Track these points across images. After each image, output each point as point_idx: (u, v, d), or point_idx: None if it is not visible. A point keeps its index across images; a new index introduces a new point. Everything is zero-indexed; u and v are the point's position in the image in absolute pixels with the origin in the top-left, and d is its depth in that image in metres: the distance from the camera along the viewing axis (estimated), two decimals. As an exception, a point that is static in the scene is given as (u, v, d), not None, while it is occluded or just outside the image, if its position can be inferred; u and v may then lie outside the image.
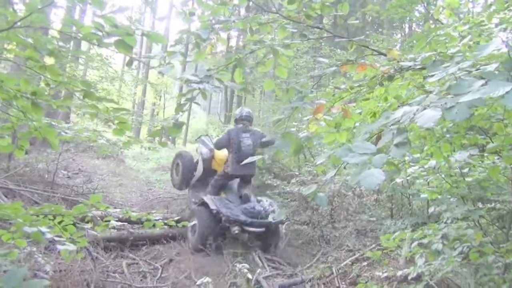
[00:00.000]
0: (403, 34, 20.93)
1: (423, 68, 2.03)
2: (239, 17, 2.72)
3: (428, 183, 3.78)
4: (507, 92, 1.07)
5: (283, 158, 8.64)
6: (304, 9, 2.68)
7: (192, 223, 5.62)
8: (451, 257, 3.12)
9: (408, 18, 11.67)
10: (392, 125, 1.43)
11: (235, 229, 5.41)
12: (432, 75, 1.67)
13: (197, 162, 6.81)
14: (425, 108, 1.33)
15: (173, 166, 7.25)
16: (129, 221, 4.85)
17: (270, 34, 2.81)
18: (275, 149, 2.12)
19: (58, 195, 6.18)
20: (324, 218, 6.60)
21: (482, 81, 1.26)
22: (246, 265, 4.61)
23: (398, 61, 2.25)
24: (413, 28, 19.35)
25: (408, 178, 3.83)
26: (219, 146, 6.21)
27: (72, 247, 2.06)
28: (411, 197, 6.13)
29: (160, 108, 27.42)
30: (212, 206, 5.52)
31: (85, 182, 8.22)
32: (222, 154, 6.40)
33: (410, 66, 2.13)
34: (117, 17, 1.74)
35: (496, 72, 1.35)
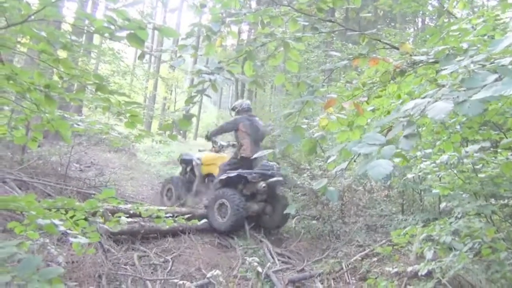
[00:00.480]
0: (415, 28, 20.66)
1: (436, 62, 2.00)
2: (250, 10, 2.67)
3: (440, 178, 3.74)
4: None
5: (293, 152, 8.68)
6: (315, 2, 2.66)
7: (216, 206, 6.03)
8: (462, 253, 3.09)
9: (421, 12, 11.49)
10: (403, 117, 1.42)
11: (262, 184, 6.08)
12: (445, 69, 1.65)
13: (188, 181, 7.08)
14: (436, 101, 1.32)
15: (164, 191, 7.34)
16: (140, 214, 5.10)
17: (281, 27, 2.78)
18: (286, 143, 2.11)
19: (71, 187, 6.22)
20: (335, 213, 6.60)
21: (496, 75, 1.24)
22: (256, 259, 4.62)
23: (410, 55, 2.21)
24: (426, 22, 19.07)
25: (419, 174, 3.81)
26: (223, 130, 6.77)
27: (84, 240, 2.08)
28: (422, 192, 6.10)
29: (171, 102, 27.50)
30: (235, 173, 6.13)
31: (97, 175, 8.24)
32: (208, 156, 6.96)
33: (423, 60, 2.09)
34: (129, 11, 1.74)
35: (510, 67, 1.32)
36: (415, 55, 2.19)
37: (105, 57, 12.69)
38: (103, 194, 2.09)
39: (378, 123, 1.61)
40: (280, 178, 6.14)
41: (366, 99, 2.39)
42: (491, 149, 3.47)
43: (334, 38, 12.95)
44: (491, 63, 1.51)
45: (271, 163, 6.34)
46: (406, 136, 1.33)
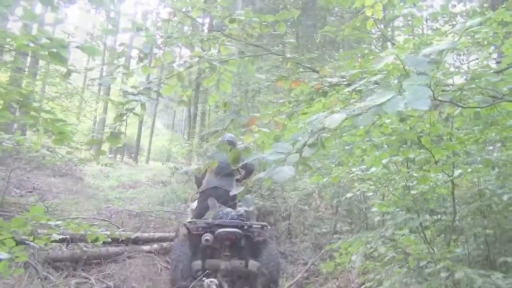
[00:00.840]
0: (359, 54, 21.16)
1: (349, 84, 2.25)
2: (183, 33, 2.91)
3: (383, 197, 4.04)
4: (388, 100, 1.22)
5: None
6: (244, 28, 2.84)
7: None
8: (398, 270, 3.21)
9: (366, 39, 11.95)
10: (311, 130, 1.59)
11: (205, 237, 4.67)
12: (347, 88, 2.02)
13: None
14: (332, 113, 1.50)
15: None
16: (83, 239, 4.82)
17: (214, 49, 3.04)
18: (211, 159, 2.27)
19: (8, 213, 5.80)
20: (282, 233, 6.59)
21: (393, 92, 1.37)
22: (215, 281, 4.12)
23: (326, 78, 2.46)
24: (372, 49, 19.47)
25: (357, 192, 3.98)
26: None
27: (5, 255, 1.99)
28: (365, 210, 6.22)
29: (123, 126, 26.56)
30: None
31: (38, 200, 7.83)
32: None
33: (337, 82, 2.36)
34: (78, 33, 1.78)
35: (392, 82, 1.59)
36: (331, 78, 2.46)
37: (52, 79, 11.98)
38: (31, 212, 2.06)
39: (292, 136, 1.79)
40: (236, 230, 4.58)
41: (285, 116, 2.58)
42: (406, 163, 3.70)
43: (281, 62, 13.22)
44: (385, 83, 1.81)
45: (234, 210, 4.97)
46: (309, 145, 1.50)
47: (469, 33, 2.36)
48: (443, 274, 2.76)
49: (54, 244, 4.53)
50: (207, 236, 4.50)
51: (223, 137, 6.16)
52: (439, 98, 2.06)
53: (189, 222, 4.80)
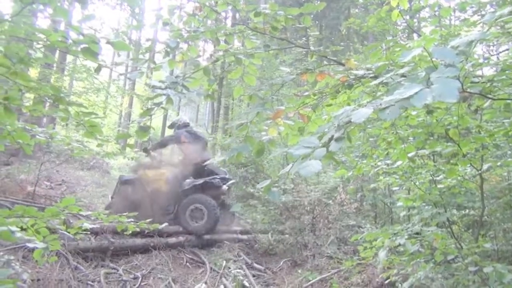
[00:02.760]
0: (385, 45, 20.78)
1: (376, 77, 2.20)
2: (208, 27, 2.85)
3: (409, 191, 3.98)
4: (416, 93, 1.19)
5: (268, 169, 8.84)
6: (270, 21, 2.82)
7: (188, 212, 6.44)
8: (424, 264, 3.17)
9: (391, 30, 11.70)
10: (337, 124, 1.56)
11: (225, 187, 6.81)
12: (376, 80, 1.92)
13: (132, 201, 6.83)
14: (360, 107, 1.51)
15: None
16: (110, 231, 5.13)
17: (238, 42, 3.01)
18: (236, 151, 2.20)
19: (39, 205, 6.11)
20: (306, 227, 6.67)
21: (420, 86, 1.35)
22: (241, 271, 4.69)
23: (352, 70, 2.43)
24: (398, 41, 18.88)
25: (382, 185, 4.09)
26: (164, 144, 7.52)
27: (41, 244, 2.07)
28: (390, 204, 6.29)
29: (148, 120, 26.84)
30: (201, 181, 6.75)
31: (67, 193, 8.17)
32: (151, 174, 7.15)
33: (363, 75, 2.32)
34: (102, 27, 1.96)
35: (419, 75, 1.49)
36: (357, 70, 2.42)
37: (79, 74, 12.25)
38: (63, 202, 2.11)
39: (318, 129, 1.76)
40: (234, 181, 7.07)
41: (310, 109, 2.56)
42: (433, 156, 3.75)
43: (304, 56, 13.26)
44: (412, 75, 1.70)
45: (222, 169, 7.17)
46: (336, 139, 1.48)
47: (499, 23, 2.31)
48: (471, 269, 2.75)
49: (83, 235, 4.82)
50: (225, 186, 6.74)
51: (180, 119, 7.56)
52: (468, 90, 2.02)
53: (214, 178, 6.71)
